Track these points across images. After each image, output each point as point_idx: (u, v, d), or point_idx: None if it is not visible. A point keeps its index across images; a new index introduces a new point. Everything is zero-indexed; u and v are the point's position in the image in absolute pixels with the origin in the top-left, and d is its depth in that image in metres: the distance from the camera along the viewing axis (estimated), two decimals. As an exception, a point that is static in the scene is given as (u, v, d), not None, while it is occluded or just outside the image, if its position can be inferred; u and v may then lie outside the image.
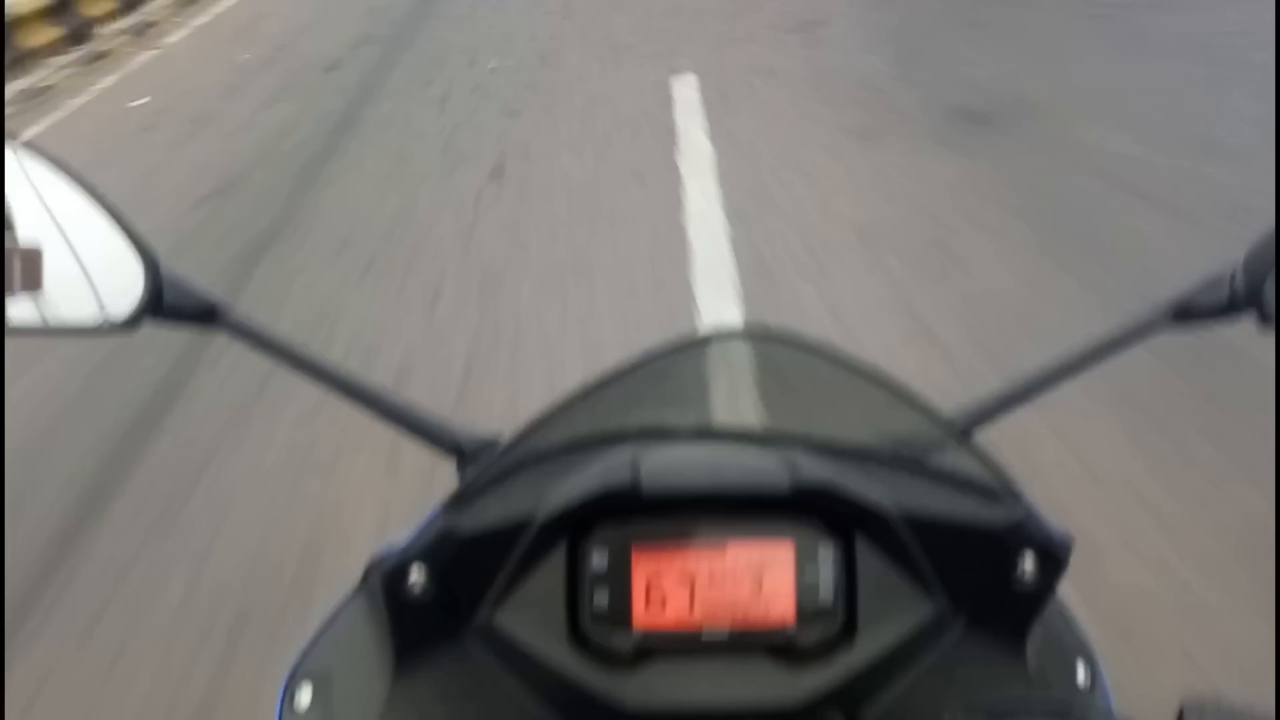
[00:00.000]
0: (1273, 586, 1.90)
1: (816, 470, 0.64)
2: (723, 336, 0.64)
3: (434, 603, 0.62)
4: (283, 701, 0.68)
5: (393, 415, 0.73)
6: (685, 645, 0.66)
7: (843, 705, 0.66)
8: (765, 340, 0.65)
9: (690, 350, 0.63)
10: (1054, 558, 0.63)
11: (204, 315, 0.70)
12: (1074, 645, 0.71)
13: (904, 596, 0.66)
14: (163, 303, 0.68)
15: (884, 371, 0.64)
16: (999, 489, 0.63)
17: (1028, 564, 0.63)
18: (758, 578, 0.65)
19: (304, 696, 0.67)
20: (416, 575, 0.61)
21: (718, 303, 3.20)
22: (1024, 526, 0.62)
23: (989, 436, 0.69)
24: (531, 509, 0.63)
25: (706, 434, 0.67)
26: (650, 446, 0.67)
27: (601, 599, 0.65)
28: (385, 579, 0.62)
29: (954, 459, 0.65)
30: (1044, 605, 0.65)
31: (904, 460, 0.66)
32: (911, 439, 0.68)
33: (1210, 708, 0.45)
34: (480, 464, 0.64)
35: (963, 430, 0.66)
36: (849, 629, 0.66)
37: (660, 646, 0.66)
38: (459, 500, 0.62)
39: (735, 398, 0.70)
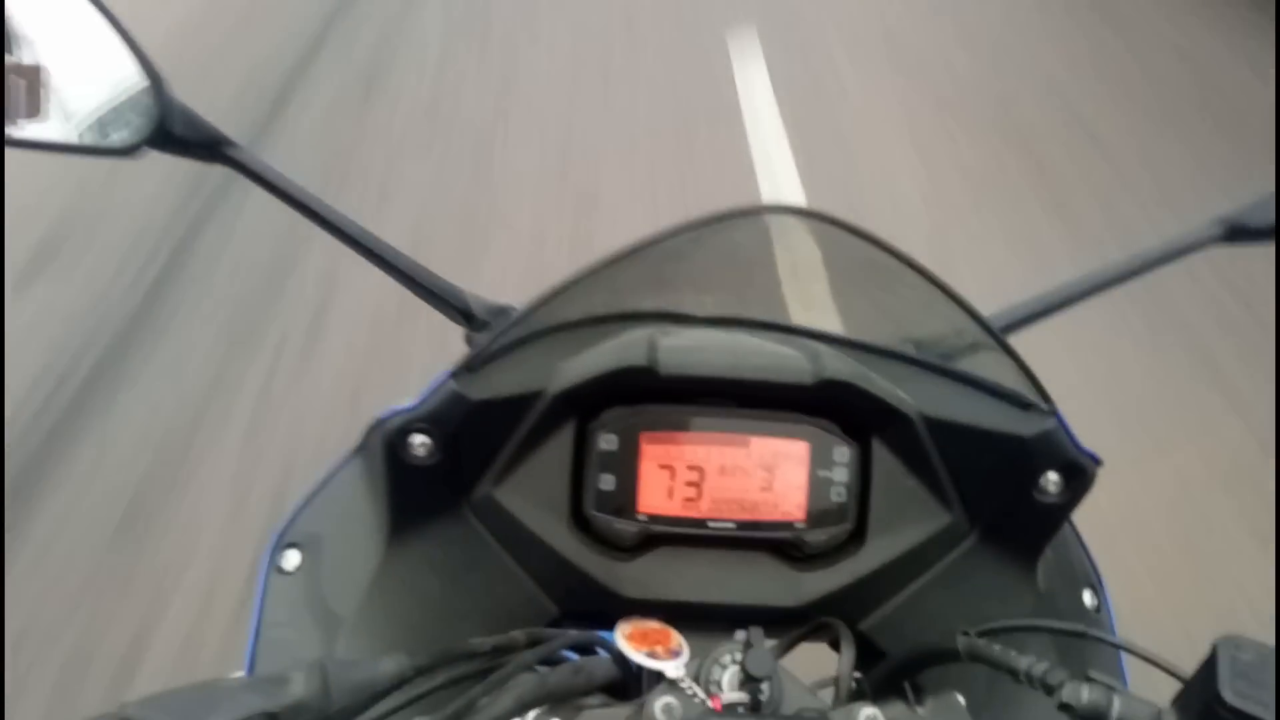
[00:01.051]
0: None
1: (840, 365, 0.62)
2: (757, 213, 0.61)
3: (436, 469, 0.59)
4: (269, 564, 0.65)
5: (403, 274, 0.70)
6: (689, 535, 0.63)
7: (845, 610, 0.64)
8: (801, 219, 0.62)
9: (721, 226, 0.60)
10: (1079, 476, 0.61)
11: (209, 147, 0.66)
12: (1081, 568, 0.69)
13: (918, 504, 0.64)
14: (167, 131, 0.64)
15: (922, 263, 0.61)
16: (1029, 398, 0.60)
17: (1051, 480, 0.61)
18: (770, 473, 0.63)
19: (291, 560, 0.65)
20: (421, 439, 0.59)
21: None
22: (1051, 440, 0.60)
23: (1022, 343, 0.67)
24: (543, 381, 0.60)
25: (729, 321, 0.65)
26: (669, 329, 0.64)
27: (607, 482, 0.62)
28: (388, 441, 0.59)
29: (986, 362, 0.63)
30: (1061, 524, 0.64)
31: (932, 361, 0.64)
32: (944, 337, 0.65)
33: (1247, 644, 0.43)
34: (493, 331, 0.61)
35: (999, 331, 0.64)
36: (858, 533, 0.64)
37: (664, 536, 0.63)
38: (469, 366, 0.59)
39: (763, 282, 0.67)
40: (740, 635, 0.65)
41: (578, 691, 0.50)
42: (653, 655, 0.52)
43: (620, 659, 0.53)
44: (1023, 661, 0.51)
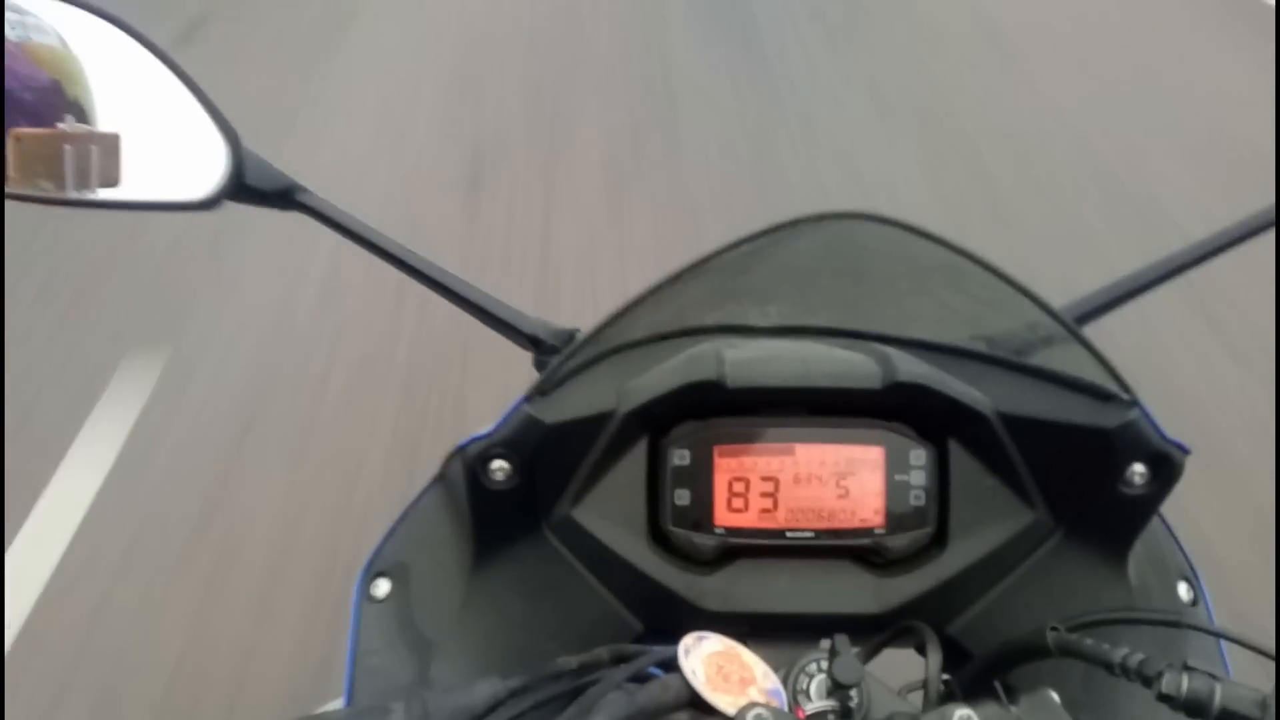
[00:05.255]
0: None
1: (911, 367, 0.62)
2: (811, 220, 0.61)
3: (516, 493, 0.61)
4: (360, 593, 0.67)
5: (470, 304, 0.72)
6: (768, 546, 0.64)
7: (931, 615, 0.63)
8: (858, 221, 0.62)
9: (777, 236, 0.60)
10: (1166, 466, 0.60)
11: (281, 195, 0.69)
12: (1175, 561, 0.68)
13: (999, 504, 0.63)
14: (243, 182, 0.67)
15: (988, 258, 0.60)
16: (1110, 389, 0.59)
17: (1137, 472, 0.60)
18: (845, 480, 0.63)
19: (382, 588, 0.66)
20: (500, 464, 0.60)
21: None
22: (1135, 430, 0.58)
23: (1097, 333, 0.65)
24: (613, 401, 0.61)
25: (793, 330, 0.65)
26: (735, 341, 0.64)
27: (683, 497, 0.63)
28: (468, 467, 0.60)
29: (1061, 355, 0.62)
30: (1150, 517, 0.62)
31: (1006, 357, 0.63)
32: (1016, 332, 0.64)
33: None
34: (561, 355, 0.62)
35: (1073, 322, 0.63)
36: (940, 536, 0.64)
37: (743, 547, 0.64)
38: (542, 390, 0.60)
39: (825, 289, 0.67)
40: (825, 644, 0.66)
41: (667, 708, 0.51)
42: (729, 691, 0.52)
43: None
44: (1117, 653, 0.50)
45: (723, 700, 0.51)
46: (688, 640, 0.53)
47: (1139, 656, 0.49)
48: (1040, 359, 0.62)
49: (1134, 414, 0.58)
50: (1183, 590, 0.67)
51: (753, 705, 0.45)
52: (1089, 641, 0.52)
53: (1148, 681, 0.48)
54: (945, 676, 0.62)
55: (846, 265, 0.66)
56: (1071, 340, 0.61)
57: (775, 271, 0.66)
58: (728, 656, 0.53)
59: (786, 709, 0.53)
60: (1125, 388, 0.59)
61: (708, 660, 0.52)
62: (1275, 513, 2.05)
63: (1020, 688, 0.61)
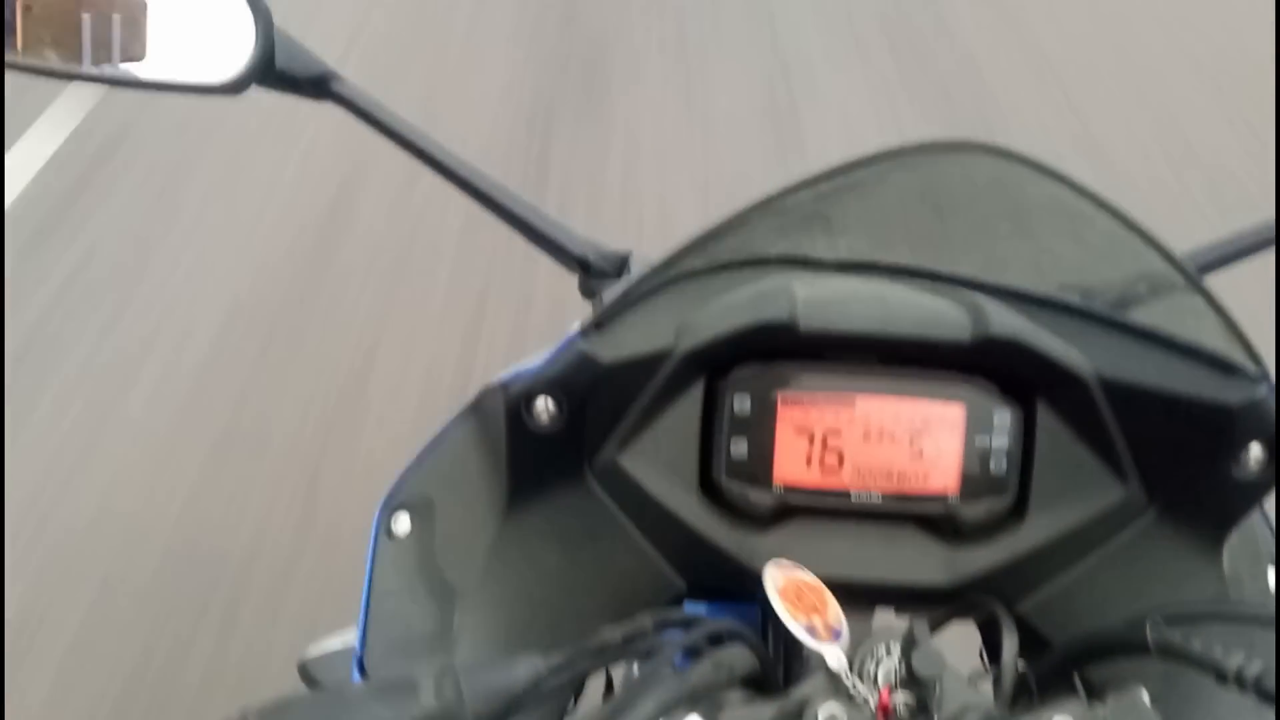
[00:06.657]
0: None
1: (1005, 320, 0.55)
2: (914, 151, 0.54)
3: (560, 434, 0.55)
4: (378, 529, 0.62)
5: (514, 217, 0.65)
6: (830, 507, 0.58)
7: (1001, 592, 0.58)
8: (966, 155, 0.55)
9: (870, 170, 0.53)
10: None
11: (315, 83, 0.62)
12: (1266, 545, 0.62)
13: (1088, 476, 0.57)
14: (273, 67, 0.61)
15: (1106, 196, 0.54)
16: (1234, 359, 0.53)
17: (1254, 454, 0.53)
18: (920, 440, 0.57)
19: (403, 524, 0.61)
20: (545, 404, 0.54)
21: None
22: (1260, 408, 0.52)
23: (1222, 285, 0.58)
24: (671, 337, 0.55)
25: (865, 266, 0.58)
26: (805, 276, 0.58)
27: (740, 448, 0.57)
28: (510, 405, 0.55)
29: (1179, 315, 0.55)
30: (1259, 502, 0.56)
31: (1113, 314, 0.56)
32: (1129, 285, 0.57)
33: None
34: (615, 283, 0.56)
35: (1197, 273, 0.56)
36: (1019, 507, 0.58)
37: (802, 506, 0.58)
38: (598, 324, 0.54)
39: (906, 223, 0.60)
40: (881, 619, 0.60)
41: (719, 687, 0.46)
42: (811, 630, 0.47)
43: (759, 650, 0.49)
44: (1231, 660, 0.44)
45: (798, 628, 0.47)
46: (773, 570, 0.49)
47: (1257, 665, 0.43)
48: (1154, 318, 0.55)
49: (1261, 391, 0.52)
50: (1271, 576, 0.62)
51: (825, 694, 0.40)
52: (1196, 644, 0.46)
53: (1269, 697, 0.42)
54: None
55: (937, 200, 0.59)
56: (1191, 301, 0.54)
57: (853, 201, 0.59)
58: (814, 591, 0.49)
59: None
60: (1255, 357, 0.52)
61: (789, 583, 0.48)
62: (1276, 525, 1.94)
63: (1099, 680, 0.56)
